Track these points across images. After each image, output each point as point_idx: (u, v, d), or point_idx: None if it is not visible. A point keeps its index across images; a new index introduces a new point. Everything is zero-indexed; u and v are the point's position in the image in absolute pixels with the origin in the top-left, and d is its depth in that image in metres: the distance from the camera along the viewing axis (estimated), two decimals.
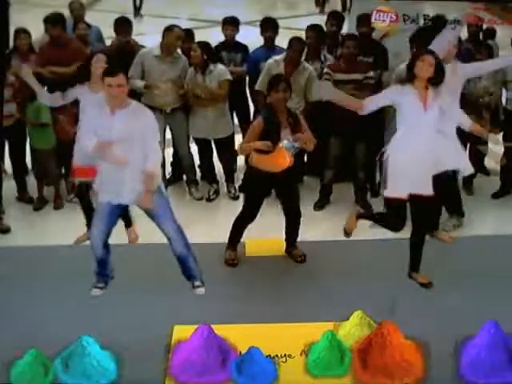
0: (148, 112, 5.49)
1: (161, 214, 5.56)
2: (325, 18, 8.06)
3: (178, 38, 7.29)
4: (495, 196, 7.49)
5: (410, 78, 5.50)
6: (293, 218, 6.29)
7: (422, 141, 5.49)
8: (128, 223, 6.45)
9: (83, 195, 6.40)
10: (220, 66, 7.26)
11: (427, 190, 5.59)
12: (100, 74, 5.67)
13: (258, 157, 5.99)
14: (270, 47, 7.60)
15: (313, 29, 7.46)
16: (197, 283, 5.82)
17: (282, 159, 5.96)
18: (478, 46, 7.28)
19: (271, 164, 5.97)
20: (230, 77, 7.23)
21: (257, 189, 6.18)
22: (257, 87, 7.30)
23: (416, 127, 5.50)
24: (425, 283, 5.87)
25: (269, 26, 7.65)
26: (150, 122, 5.43)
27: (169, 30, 7.29)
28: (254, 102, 7.65)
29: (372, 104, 5.63)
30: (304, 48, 7.21)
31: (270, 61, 7.25)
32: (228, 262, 6.29)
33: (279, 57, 7.25)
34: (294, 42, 7.19)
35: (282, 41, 7.56)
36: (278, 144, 5.91)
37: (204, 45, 7.25)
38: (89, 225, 6.28)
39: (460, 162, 5.88)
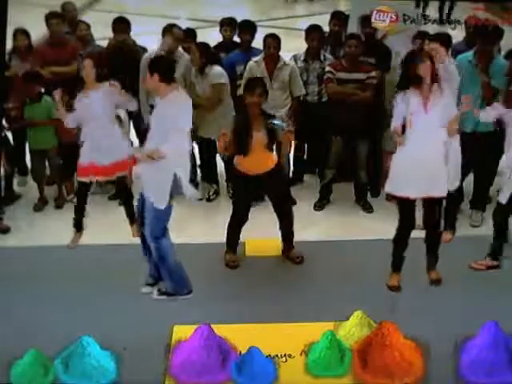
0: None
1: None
2: (323, 18, 8.06)
3: (176, 40, 7.29)
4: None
5: (415, 81, 5.54)
6: (284, 219, 6.30)
7: (426, 142, 5.55)
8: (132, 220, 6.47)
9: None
10: (216, 69, 7.15)
11: (438, 191, 5.64)
12: (91, 79, 5.95)
13: (238, 159, 6.09)
14: (246, 50, 7.54)
15: (314, 29, 7.45)
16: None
17: (258, 162, 6.01)
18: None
19: (249, 166, 6.03)
20: (223, 80, 7.14)
21: (241, 191, 6.23)
22: (241, 91, 7.28)
23: (418, 129, 5.57)
24: (436, 279, 5.90)
25: (247, 29, 7.60)
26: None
27: (167, 32, 7.28)
28: (235, 106, 7.40)
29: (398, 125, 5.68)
30: (279, 43, 7.19)
31: (251, 63, 7.24)
32: (228, 264, 6.30)
33: (258, 57, 7.25)
34: (268, 39, 7.19)
35: (285, 41, 7.52)
36: (250, 149, 5.93)
37: (203, 46, 7.21)
38: (78, 225, 6.36)
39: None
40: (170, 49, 7.26)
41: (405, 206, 5.76)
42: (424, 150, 5.56)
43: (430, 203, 5.76)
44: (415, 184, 5.62)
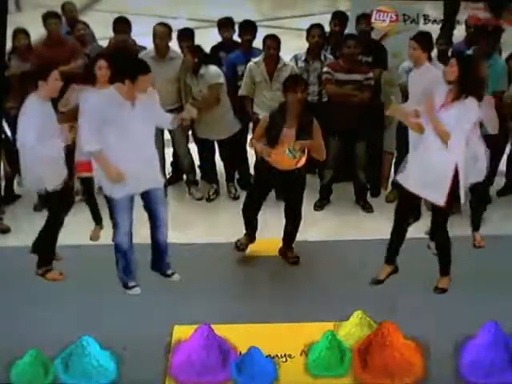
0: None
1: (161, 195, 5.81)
2: (323, 18, 8.05)
3: (159, 37, 7.25)
4: (500, 194, 7.47)
5: None
6: (292, 220, 6.29)
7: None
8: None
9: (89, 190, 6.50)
10: (212, 69, 7.12)
11: (434, 198, 5.60)
12: (105, 80, 5.88)
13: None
14: (247, 50, 7.51)
15: (317, 28, 7.44)
16: (171, 271, 6.02)
17: (281, 159, 5.97)
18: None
19: (274, 160, 6.00)
20: (221, 80, 7.12)
21: (260, 180, 6.22)
22: (241, 92, 7.29)
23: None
24: (440, 288, 5.87)
25: (247, 29, 7.60)
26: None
27: (153, 31, 7.28)
28: (235, 106, 7.40)
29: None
30: (279, 44, 7.18)
31: (251, 64, 7.23)
32: (236, 244, 6.36)
33: (258, 58, 7.23)
34: (268, 40, 7.18)
35: (285, 41, 7.52)
36: (278, 142, 5.92)
37: (195, 48, 7.18)
38: (97, 221, 6.59)
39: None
40: (159, 48, 7.25)
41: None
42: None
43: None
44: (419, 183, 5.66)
